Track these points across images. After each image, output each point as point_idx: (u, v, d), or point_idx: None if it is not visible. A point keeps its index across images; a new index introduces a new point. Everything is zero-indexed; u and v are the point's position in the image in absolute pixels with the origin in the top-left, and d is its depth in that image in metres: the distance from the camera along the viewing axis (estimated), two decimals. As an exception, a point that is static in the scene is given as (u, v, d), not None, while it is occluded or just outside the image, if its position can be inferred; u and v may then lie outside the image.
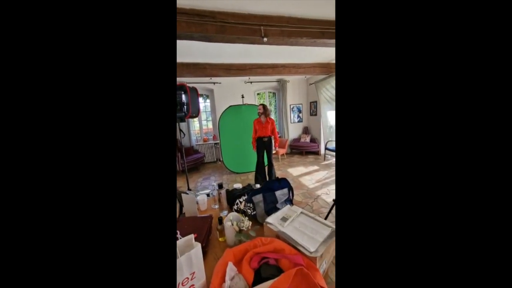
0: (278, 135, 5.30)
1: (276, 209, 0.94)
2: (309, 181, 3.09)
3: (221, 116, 3.64)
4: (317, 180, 3.14)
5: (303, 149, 4.91)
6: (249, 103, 4.02)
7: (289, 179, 3.16)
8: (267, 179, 2.94)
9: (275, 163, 4.21)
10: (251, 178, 3.44)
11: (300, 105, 5.32)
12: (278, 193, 1.00)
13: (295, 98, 5.21)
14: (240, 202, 1.01)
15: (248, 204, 0.96)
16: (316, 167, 3.84)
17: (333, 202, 1.88)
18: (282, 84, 4.91)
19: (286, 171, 3.70)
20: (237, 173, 3.80)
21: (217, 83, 4.45)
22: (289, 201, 1.03)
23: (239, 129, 3.71)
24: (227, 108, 3.68)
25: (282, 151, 4.54)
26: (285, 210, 0.90)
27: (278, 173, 3.54)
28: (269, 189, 1.01)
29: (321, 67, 3.92)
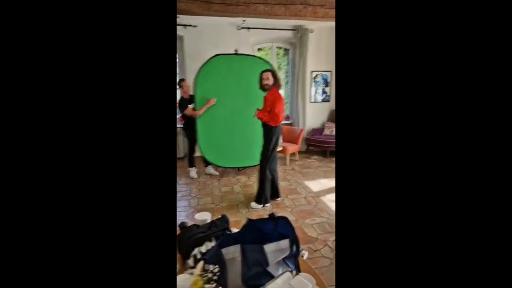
0: (286, 120, 5.15)
1: (265, 277, 0.85)
2: (334, 204, 2.99)
3: (198, 73, 3.52)
4: (348, 202, 3.00)
5: (326, 147, 4.79)
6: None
7: (301, 196, 3.11)
8: (266, 193, 2.81)
9: (280, 169, 4.09)
10: (251, 184, 3.37)
11: (328, 74, 5.14)
12: (271, 247, 0.90)
13: (320, 61, 5.03)
14: (202, 254, 0.97)
15: (210, 266, 0.80)
16: (346, 179, 3.71)
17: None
18: (301, 36, 4.70)
19: (297, 183, 3.59)
20: (224, 167, 3.83)
21: (190, 26, 4.25)
22: (292, 261, 0.94)
23: (230, 95, 3.65)
24: (211, 59, 3.55)
25: (292, 148, 4.38)
26: (282, 281, 0.81)
27: (283, 186, 3.40)
28: (255, 238, 0.91)
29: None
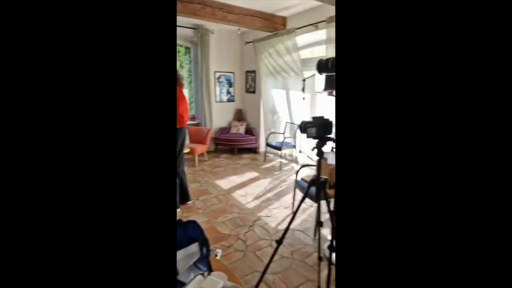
0: (192, 121, 5.06)
1: (177, 287, 0.84)
2: (243, 198, 3.15)
3: None
4: (256, 195, 3.25)
5: (234, 145, 4.99)
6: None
7: (212, 196, 3.13)
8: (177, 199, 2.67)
9: (188, 170, 3.97)
10: None
11: (231, 75, 5.33)
12: (180, 254, 0.89)
13: (223, 63, 5.16)
14: None
15: None
16: (254, 174, 4.01)
17: (282, 232, 1.93)
18: (201, 36, 4.67)
19: (208, 183, 3.60)
20: None
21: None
22: (204, 263, 0.96)
23: None
24: None
25: (200, 148, 4.34)
26: (193, 286, 0.83)
27: (194, 188, 3.33)
28: None
29: (263, 19, 4.03)
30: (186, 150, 3.91)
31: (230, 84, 5.34)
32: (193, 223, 0.95)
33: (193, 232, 0.93)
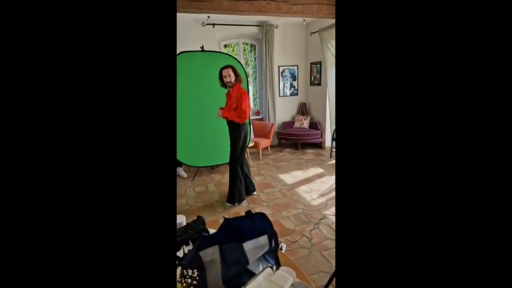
0: (257, 116, 5.16)
1: (246, 275, 0.84)
2: (308, 194, 3.07)
3: None
4: (322, 192, 3.13)
5: (298, 140, 4.90)
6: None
7: (276, 190, 3.14)
8: (239, 194, 2.79)
9: (252, 163, 4.09)
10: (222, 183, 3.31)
11: (295, 68, 5.23)
12: (249, 244, 0.88)
13: (287, 56, 5.10)
14: (179, 260, 0.94)
15: (189, 272, 0.77)
16: (319, 170, 3.86)
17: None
18: (266, 32, 4.70)
19: (272, 176, 3.63)
20: (196, 167, 3.75)
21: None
22: (272, 256, 0.93)
23: (197, 93, 3.57)
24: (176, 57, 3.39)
25: (264, 142, 4.41)
26: (263, 278, 0.80)
27: (258, 180, 3.41)
28: (233, 237, 0.88)
29: (330, 5, 3.79)
30: (250, 144, 4.02)
31: (293, 77, 5.25)
32: (262, 215, 0.94)
33: (261, 225, 0.92)
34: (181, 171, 3.78)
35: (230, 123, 2.68)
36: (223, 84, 2.65)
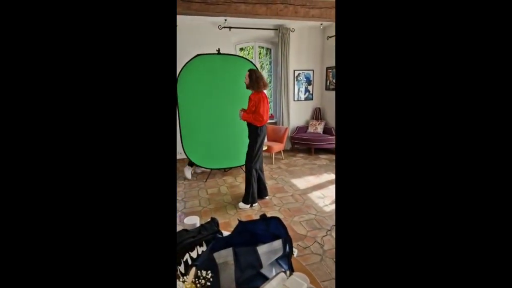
0: (270, 119, 5.16)
1: (259, 279, 0.84)
2: (321, 200, 3.03)
3: (179, 75, 3.45)
4: (335, 198, 3.05)
5: (312, 145, 4.86)
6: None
7: (288, 194, 3.12)
8: (252, 197, 2.81)
9: (265, 167, 4.09)
10: (238, 184, 3.33)
11: (311, 72, 5.21)
12: (263, 248, 0.89)
13: (302, 60, 5.09)
14: (193, 260, 0.95)
15: (202, 272, 0.78)
16: (332, 176, 3.81)
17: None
18: (282, 35, 4.72)
19: (284, 181, 3.60)
20: (209, 169, 3.76)
21: (170, 26, 4.15)
22: (285, 261, 0.93)
23: (213, 96, 3.60)
24: (192, 59, 3.49)
25: (277, 147, 4.40)
26: (276, 283, 0.81)
27: (270, 184, 3.40)
28: (247, 240, 0.90)
29: (348, 10, 3.77)
30: (264, 148, 4.03)
31: (309, 82, 5.22)
32: (276, 219, 0.94)
33: (275, 229, 0.92)
34: (187, 171, 3.78)
35: (249, 125, 2.78)
36: (247, 86, 2.77)
